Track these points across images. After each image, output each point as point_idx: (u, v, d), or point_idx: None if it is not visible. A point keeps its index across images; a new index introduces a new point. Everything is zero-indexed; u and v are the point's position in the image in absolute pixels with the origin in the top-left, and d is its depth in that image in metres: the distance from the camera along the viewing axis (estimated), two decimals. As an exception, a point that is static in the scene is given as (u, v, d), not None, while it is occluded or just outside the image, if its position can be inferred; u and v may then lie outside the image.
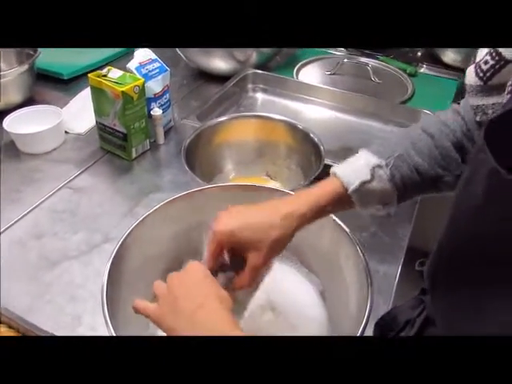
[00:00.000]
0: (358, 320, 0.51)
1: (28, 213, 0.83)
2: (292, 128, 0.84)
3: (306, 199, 0.50)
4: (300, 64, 1.31)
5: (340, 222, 0.57)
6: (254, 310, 0.61)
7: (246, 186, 0.63)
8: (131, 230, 0.57)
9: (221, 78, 1.20)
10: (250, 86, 1.17)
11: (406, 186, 0.50)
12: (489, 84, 0.44)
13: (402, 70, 1.29)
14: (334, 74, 1.27)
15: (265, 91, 1.17)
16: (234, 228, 0.48)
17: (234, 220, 0.49)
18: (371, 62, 1.30)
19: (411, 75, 1.28)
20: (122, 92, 0.84)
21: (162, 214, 0.61)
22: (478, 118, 0.48)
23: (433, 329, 0.52)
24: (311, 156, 0.82)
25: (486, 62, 0.43)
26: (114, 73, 0.89)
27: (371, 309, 0.49)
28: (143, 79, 0.88)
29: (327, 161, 0.79)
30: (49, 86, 1.22)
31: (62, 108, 1.08)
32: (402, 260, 0.74)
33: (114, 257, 0.55)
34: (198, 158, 0.80)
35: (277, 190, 0.64)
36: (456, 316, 0.42)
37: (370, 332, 0.58)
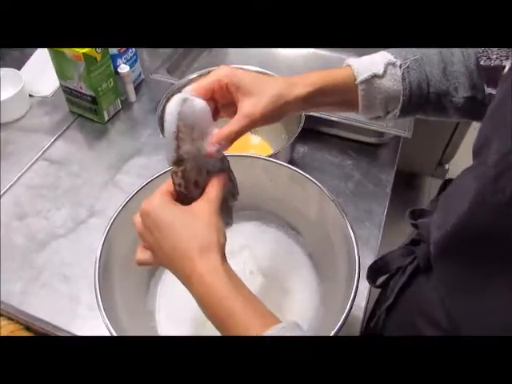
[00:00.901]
0: (347, 283, 0.53)
1: (6, 191, 0.80)
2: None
3: (313, 76, 0.49)
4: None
5: (327, 192, 0.57)
6: (244, 275, 0.63)
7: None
8: (120, 210, 0.57)
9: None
10: (219, 24, 1.10)
11: (412, 95, 0.49)
12: None
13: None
14: None
15: (236, 29, 1.10)
16: (239, 72, 0.46)
17: (240, 68, 0.47)
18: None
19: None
20: (84, 54, 0.78)
21: (148, 191, 0.60)
22: (482, 62, 0.48)
23: (422, 277, 0.54)
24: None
25: None
26: (72, 31, 0.82)
27: (359, 277, 0.51)
28: (104, 36, 0.82)
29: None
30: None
31: (21, 67, 1.01)
32: (387, 209, 0.75)
33: (105, 238, 0.55)
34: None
35: (263, 158, 0.62)
36: (459, 287, 0.43)
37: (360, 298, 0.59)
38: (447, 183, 0.67)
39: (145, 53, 1.08)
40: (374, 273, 0.61)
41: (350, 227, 0.53)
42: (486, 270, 0.39)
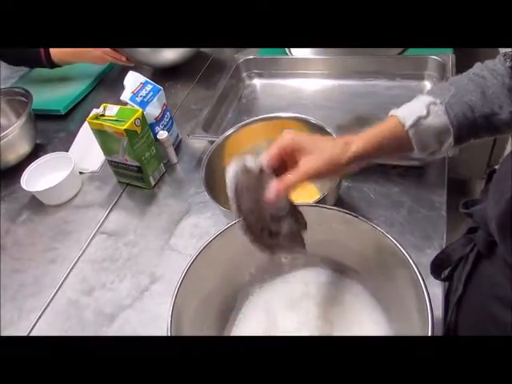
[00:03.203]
0: (420, 318, 0.52)
1: (71, 269, 0.85)
2: (303, 123, 0.82)
3: (365, 134, 0.54)
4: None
5: (381, 229, 0.56)
6: (311, 324, 0.62)
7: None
8: (182, 280, 0.58)
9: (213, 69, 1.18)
10: (244, 74, 1.13)
11: (461, 125, 0.52)
12: None
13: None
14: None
15: (261, 76, 1.13)
16: (300, 136, 0.54)
17: (300, 134, 0.54)
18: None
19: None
20: (125, 130, 0.83)
21: (206, 255, 0.61)
22: (508, 64, 0.52)
23: (486, 262, 0.56)
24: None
25: None
26: (111, 110, 0.87)
27: (433, 314, 0.49)
28: (141, 109, 0.86)
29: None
30: (48, 124, 1.20)
31: (69, 146, 1.08)
32: (445, 234, 0.73)
33: (174, 305, 0.56)
34: (217, 178, 0.79)
35: (312, 205, 0.63)
36: None
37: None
38: (492, 174, 0.65)
39: (179, 111, 1.13)
40: (437, 267, 0.63)
41: (413, 263, 0.52)
42: None
